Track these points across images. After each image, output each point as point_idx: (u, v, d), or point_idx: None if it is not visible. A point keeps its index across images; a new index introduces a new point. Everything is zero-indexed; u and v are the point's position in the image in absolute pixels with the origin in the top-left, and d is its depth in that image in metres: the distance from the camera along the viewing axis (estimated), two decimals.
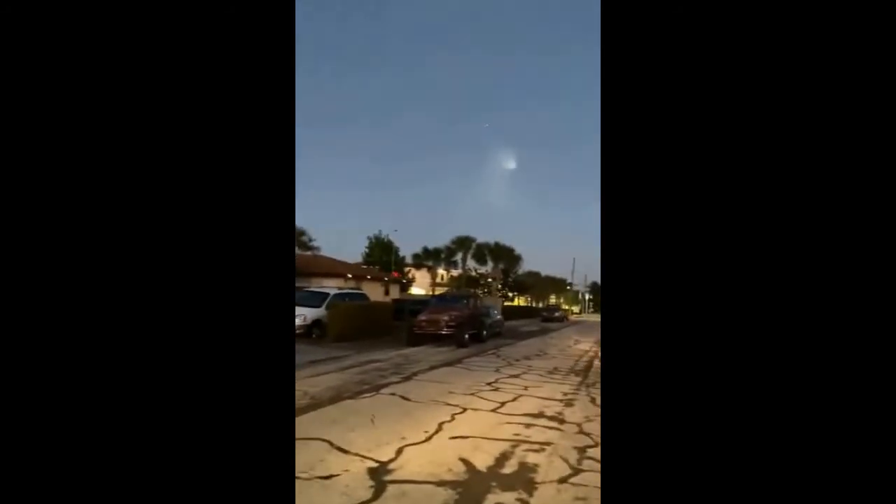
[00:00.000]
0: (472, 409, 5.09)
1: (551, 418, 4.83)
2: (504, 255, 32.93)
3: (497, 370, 8.07)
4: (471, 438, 3.99)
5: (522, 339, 15.29)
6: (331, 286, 15.99)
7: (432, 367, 8.14)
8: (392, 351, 10.53)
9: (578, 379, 7.56)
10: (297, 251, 27.09)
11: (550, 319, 32.01)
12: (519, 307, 39.27)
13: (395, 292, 27.89)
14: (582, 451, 3.80)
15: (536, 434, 4.23)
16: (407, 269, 33.98)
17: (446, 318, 11.89)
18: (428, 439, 3.92)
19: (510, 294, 37.67)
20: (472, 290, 21.24)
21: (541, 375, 7.70)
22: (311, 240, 28.65)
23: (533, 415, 4.94)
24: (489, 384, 6.65)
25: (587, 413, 5.12)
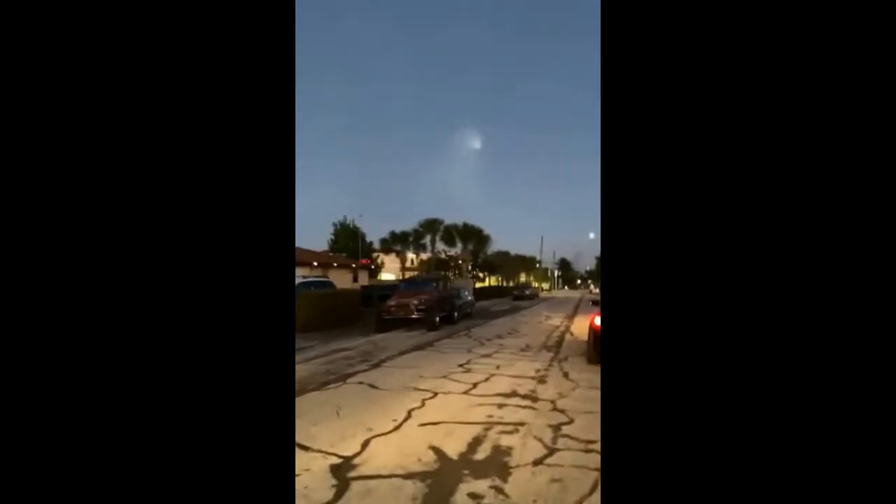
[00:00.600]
0: (444, 392, 4.91)
1: (524, 397, 4.71)
2: (473, 236, 32.83)
3: (469, 351, 7.94)
4: (442, 424, 3.81)
5: (494, 319, 15.27)
6: (300, 276, 15.49)
7: (402, 353, 7.93)
8: (361, 338, 10.25)
9: (550, 355, 7.51)
10: None
11: (522, 297, 32.27)
12: (490, 287, 39.45)
13: (364, 279, 27.47)
14: (556, 429, 3.68)
15: (509, 414, 4.09)
16: (375, 254, 33.51)
17: (415, 301, 11.68)
18: (396, 428, 3.71)
19: (481, 274, 37.76)
20: (441, 273, 21.03)
21: (513, 353, 7.61)
22: None
23: (506, 394, 4.81)
24: (461, 366, 6.50)
25: (560, 389, 5.03)
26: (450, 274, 33.39)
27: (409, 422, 3.89)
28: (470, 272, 33.37)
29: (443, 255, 35.24)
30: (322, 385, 5.33)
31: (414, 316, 11.50)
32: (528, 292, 34.10)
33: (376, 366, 6.64)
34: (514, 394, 4.85)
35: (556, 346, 8.46)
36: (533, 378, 5.63)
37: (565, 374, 5.85)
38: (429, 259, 33.88)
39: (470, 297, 17.19)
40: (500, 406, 4.37)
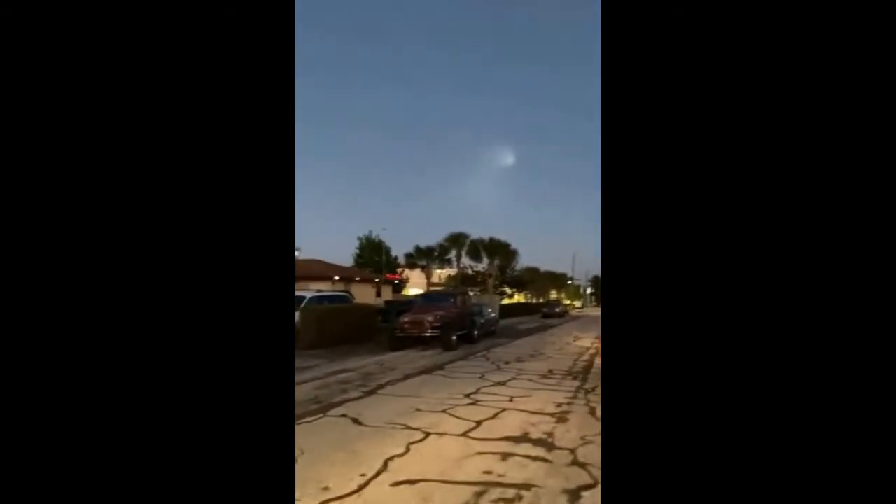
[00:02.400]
0: (437, 433, 3.99)
1: (537, 443, 3.75)
2: (499, 251, 31.65)
3: (481, 377, 6.98)
4: (421, 484, 2.90)
5: (518, 338, 14.19)
6: (314, 289, 14.88)
7: (406, 377, 7.05)
8: (369, 358, 9.44)
9: (576, 383, 6.47)
10: None
11: (551, 315, 30.94)
12: (518, 304, 38.10)
13: (388, 294, 26.82)
14: (575, 496, 2.72)
15: (514, 470, 3.15)
16: (400, 269, 32.87)
17: (430, 318, 10.80)
18: (360, 489, 2.83)
19: (508, 291, 36.51)
20: (461, 288, 20.08)
21: (532, 381, 6.60)
22: None
23: (514, 438, 3.85)
24: (468, 395, 5.55)
25: (584, 431, 4.04)
26: (476, 290, 32.40)
27: (381, 478, 3.00)
28: (496, 288, 32.24)
29: (469, 271, 34.29)
30: (298, 417, 4.51)
31: (428, 334, 10.62)
32: (557, 310, 32.66)
33: (371, 392, 5.78)
34: (525, 437, 3.89)
35: (584, 373, 7.39)
36: (552, 415, 4.64)
37: (592, 410, 4.83)
38: (456, 274, 32.99)
39: (493, 315, 16.20)
40: (505, 457, 3.42)
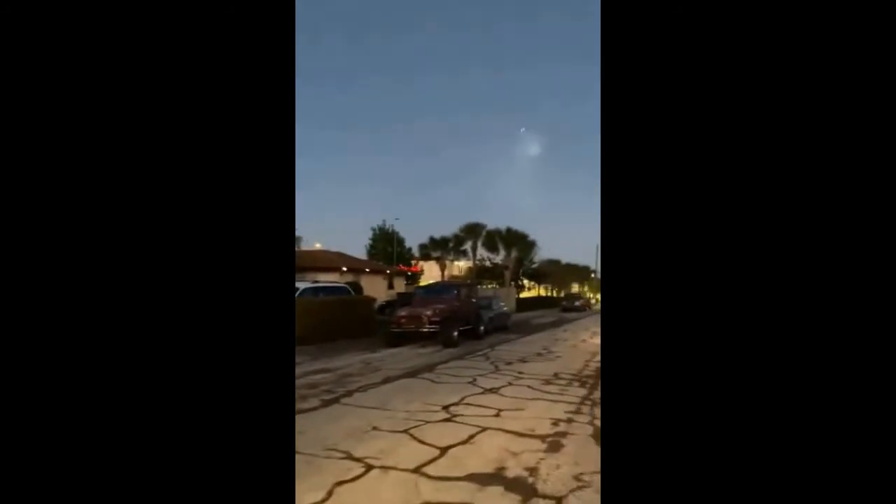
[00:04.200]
0: (384, 466, 3.03)
1: (513, 484, 2.74)
2: (517, 242, 30.26)
3: (473, 381, 5.98)
4: None
5: (529, 334, 13.12)
6: (311, 281, 14.09)
7: (386, 380, 6.11)
8: (359, 355, 8.56)
9: (582, 391, 5.41)
10: None
11: (570, 309, 29.70)
12: (538, 298, 36.82)
13: (400, 286, 25.97)
14: None
15: None
16: (414, 260, 31.96)
17: (429, 312, 9.83)
18: None
19: (525, 283, 35.23)
20: (465, 280, 19.04)
21: (531, 388, 5.57)
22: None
23: (483, 477, 2.86)
24: (446, 408, 4.57)
25: (582, 465, 3.01)
26: (493, 283, 31.26)
27: None
28: (513, 281, 31.04)
29: (487, 263, 33.16)
30: None
31: (425, 329, 9.66)
32: (577, 303, 31.37)
33: (333, 401, 4.85)
34: (498, 475, 2.89)
35: (594, 378, 6.31)
36: (543, 438, 3.62)
37: (596, 432, 3.79)
38: (472, 266, 31.91)
39: (505, 309, 15.15)
40: None
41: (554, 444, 3.51)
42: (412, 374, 6.60)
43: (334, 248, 26.36)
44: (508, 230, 30.20)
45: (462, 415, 4.33)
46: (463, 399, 4.94)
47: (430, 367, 7.13)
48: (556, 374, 6.49)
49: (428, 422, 4.08)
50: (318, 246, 26.74)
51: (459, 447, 3.42)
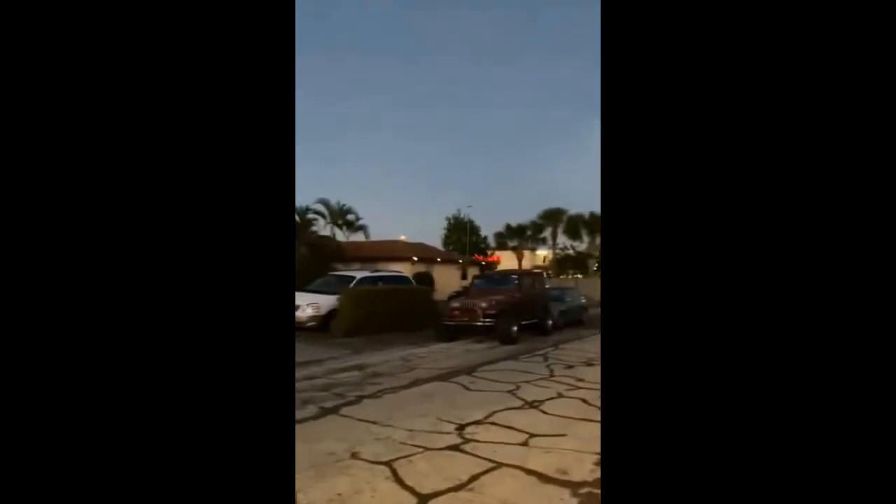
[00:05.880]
0: None
1: None
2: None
3: (514, 390, 4.89)
4: None
5: None
6: (382, 270, 13.67)
7: (414, 383, 5.24)
8: (404, 350, 7.82)
9: None
10: (344, 233, 24.67)
11: None
12: None
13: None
14: None
15: None
16: (490, 250, 30.81)
17: (484, 304, 8.79)
18: None
19: None
20: (528, 269, 17.48)
21: (585, 402, 4.37)
22: (357, 219, 25.20)
23: None
24: (462, 428, 3.57)
25: None
26: (576, 273, 29.20)
27: None
28: (597, 270, 28.73)
29: (570, 251, 31.10)
30: None
31: (479, 323, 8.65)
32: None
33: (332, 410, 4.06)
34: None
35: None
36: (577, 487, 2.51)
37: None
38: (551, 255, 30.06)
39: (580, 301, 13.63)
40: None
41: (589, 500, 2.38)
42: (447, 376, 5.66)
43: (419, 241, 26.14)
44: (592, 215, 27.92)
45: (477, 440, 3.31)
46: (490, 415, 3.90)
47: (472, 369, 6.13)
48: None
49: (428, 448, 3.12)
50: (402, 238, 26.65)
51: (447, 497, 2.43)
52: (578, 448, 3.13)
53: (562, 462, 2.90)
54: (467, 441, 3.28)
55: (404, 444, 3.20)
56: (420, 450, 3.09)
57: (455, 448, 3.15)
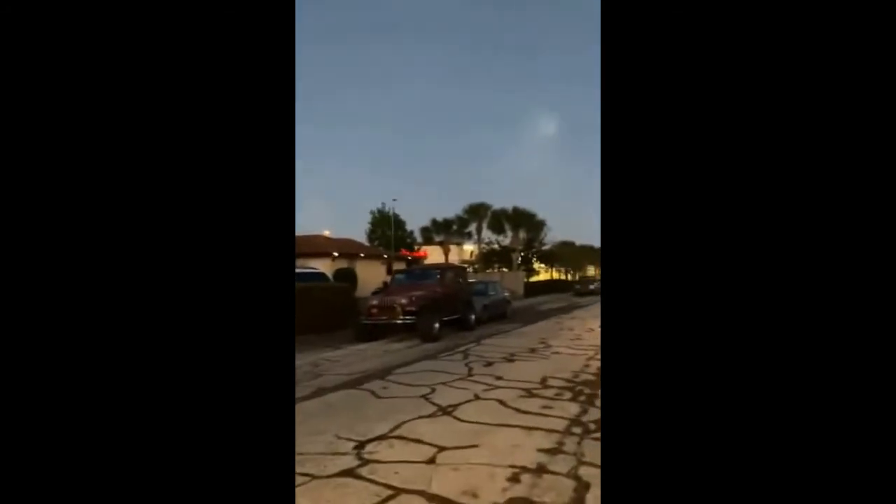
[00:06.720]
0: None
1: None
2: (524, 222, 28.46)
3: (430, 392, 4.50)
4: None
5: (529, 323, 11.59)
6: (304, 267, 12.70)
7: (317, 393, 4.67)
8: (316, 354, 7.19)
9: (574, 408, 3.87)
10: None
11: (584, 293, 28.01)
12: (550, 281, 34.93)
13: None
14: None
15: None
16: (417, 245, 30.41)
17: (404, 301, 8.36)
18: None
19: (536, 267, 33.44)
20: (450, 263, 17.43)
21: (502, 403, 4.07)
22: None
23: None
24: (361, 446, 3.09)
25: None
26: (501, 266, 29.63)
27: None
28: (523, 264, 29.36)
29: (496, 246, 31.48)
30: None
31: (399, 321, 8.21)
32: (592, 287, 29.53)
33: None
34: None
35: (594, 384, 4.76)
36: None
37: (584, 492, 2.28)
38: (476, 250, 30.25)
39: (504, 295, 13.63)
40: None
41: None
42: (357, 382, 5.15)
43: (344, 236, 24.93)
44: (515, 210, 28.43)
45: (377, 460, 2.85)
46: (397, 427, 3.47)
47: (387, 371, 5.67)
48: (543, 381, 4.96)
49: (317, 477, 2.62)
50: (326, 233, 25.33)
51: None
52: (491, 461, 2.78)
53: (471, 480, 2.53)
54: (365, 463, 2.82)
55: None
56: (307, 479, 2.59)
57: (349, 473, 2.67)
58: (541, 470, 2.65)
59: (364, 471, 2.70)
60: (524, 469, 2.66)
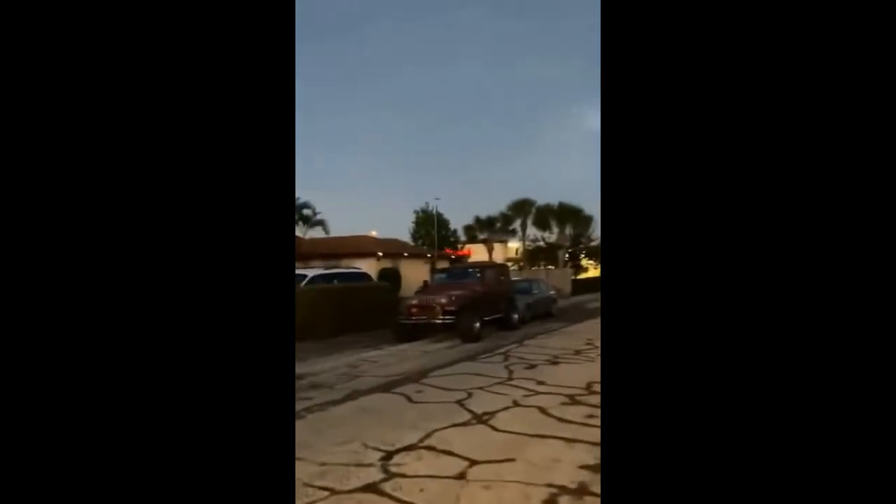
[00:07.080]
0: None
1: None
2: (571, 218, 27.61)
3: (466, 398, 4.27)
4: None
5: (577, 322, 11.09)
6: (341, 267, 12.86)
7: (350, 396, 4.55)
8: (356, 354, 7.14)
9: None
10: (301, 229, 22.75)
11: None
12: (599, 278, 33.71)
13: None
14: None
15: None
16: (460, 244, 30.18)
17: (443, 301, 8.15)
18: None
19: (584, 264, 32.30)
20: (491, 261, 16.96)
21: (543, 412, 3.78)
22: (315, 213, 22.77)
23: None
24: (388, 457, 2.91)
25: None
26: (548, 264, 28.90)
27: None
28: (568, 261, 28.50)
29: (542, 242, 30.76)
30: None
31: (439, 321, 8.02)
32: None
33: None
34: None
35: None
36: None
37: None
38: (530, 246, 29.63)
39: (549, 293, 13.15)
40: None
41: None
42: (392, 385, 5.00)
43: (390, 236, 25.13)
44: (560, 205, 27.60)
45: (403, 474, 2.66)
46: (427, 436, 3.27)
47: (423, 374, 5.49)
48: (588, 386, 4.61)
49: (336, 491, 2.46)
50: (373, 233, 25.64)
51: None
52: (526, 478, 2.52)
53: (502, 501, 2.28)
54: (391, 477, 2.63)
55: (309, 485, 2.53)
56: (326, 493, 2.43)
57: (371, 488, 2.50)
58: (581, 491, 2.36)
59: (388, 486, 2.51)
60: (563, 490, 2.38)
